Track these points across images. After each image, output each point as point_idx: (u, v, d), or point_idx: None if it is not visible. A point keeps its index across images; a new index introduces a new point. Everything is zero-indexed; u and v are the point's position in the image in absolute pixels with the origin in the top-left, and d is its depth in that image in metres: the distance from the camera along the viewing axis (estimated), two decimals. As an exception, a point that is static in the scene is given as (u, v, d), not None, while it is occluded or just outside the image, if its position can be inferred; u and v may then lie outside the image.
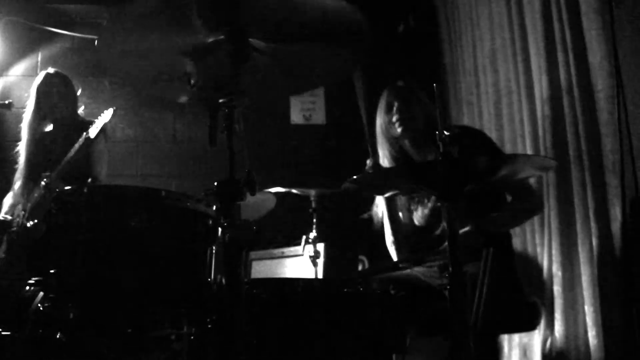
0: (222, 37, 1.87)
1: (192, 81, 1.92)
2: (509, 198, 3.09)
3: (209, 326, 2.07)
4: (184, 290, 2.20)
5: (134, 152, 5.46)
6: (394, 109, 3.17)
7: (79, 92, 4.39)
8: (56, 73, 4.32)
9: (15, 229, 3.94)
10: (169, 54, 1.95)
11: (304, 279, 3.43)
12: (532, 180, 3.14)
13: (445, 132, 2.08)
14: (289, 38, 1.94)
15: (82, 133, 3.90)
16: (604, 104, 2.99)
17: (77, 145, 3.88)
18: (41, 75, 4.31)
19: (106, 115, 3.93)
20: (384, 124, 3.23)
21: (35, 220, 3.79)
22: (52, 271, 2.14)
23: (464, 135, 2.90)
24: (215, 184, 1.74)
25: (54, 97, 4.23)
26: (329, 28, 1.92)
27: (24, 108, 4.39)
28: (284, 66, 2.05)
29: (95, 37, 1.95)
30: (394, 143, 3.23)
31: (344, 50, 2.01)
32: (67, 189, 2.27)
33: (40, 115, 4.28)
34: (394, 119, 3.17)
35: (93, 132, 3.90)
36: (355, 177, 2.20)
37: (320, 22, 1.91)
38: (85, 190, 2.34)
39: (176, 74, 1.99)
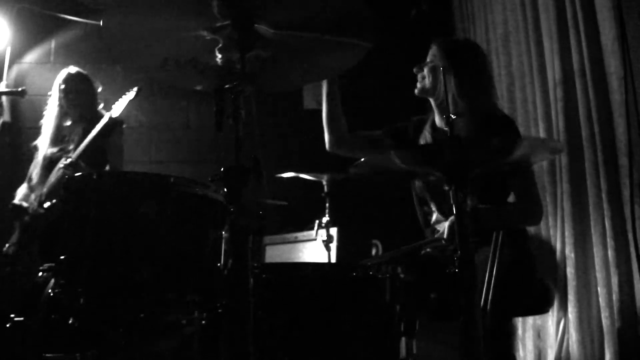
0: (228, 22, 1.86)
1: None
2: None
3: (220, 311, 2.08)
4: (194, 275, 2.21)
5: (148, 139, 5.48)
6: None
7: (99, 90, 4.45)
8: (77, 72, 4.41)
9: (29, 215, 4.02)
10: (179, 37, 1.94)
11: (313, 263, 3.44)
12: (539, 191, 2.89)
13: (452, 116, 2.04)
14: (295, 26, 1.92)
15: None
16: (617, 85, 2.97)
17: (99, 125, 3.99)
18: (63, 74, 4.40)
19: (130, 94, 4.05)
20: None
21: (54, 201, 3.89)
22: (62, 257, 2.17)
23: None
24: (222, 169, 1.75)
25: (75, 95, 4.33)
26: (334, 17, 1.90)
27: (37, 95, 4.46)
28: (293, 55, 2.04)
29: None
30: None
31: (351, 39, 1.99)
32: (77, 176, 2.29)
33: (61, 112, 4.38)
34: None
35: (116, 111, 4.03)
36: (361, 160, 2.03)
37: (325, 11, 1.89)
38: (94, 176, 2.37)
39: (184, 59, 1.99)
